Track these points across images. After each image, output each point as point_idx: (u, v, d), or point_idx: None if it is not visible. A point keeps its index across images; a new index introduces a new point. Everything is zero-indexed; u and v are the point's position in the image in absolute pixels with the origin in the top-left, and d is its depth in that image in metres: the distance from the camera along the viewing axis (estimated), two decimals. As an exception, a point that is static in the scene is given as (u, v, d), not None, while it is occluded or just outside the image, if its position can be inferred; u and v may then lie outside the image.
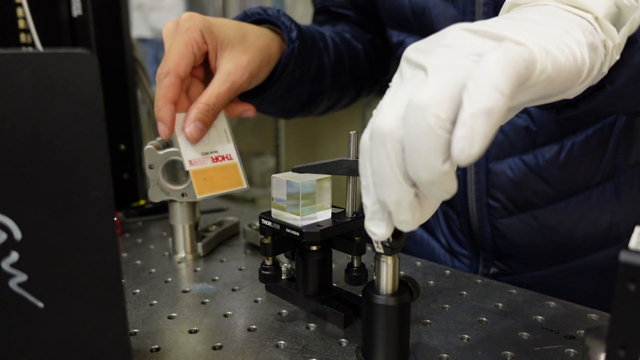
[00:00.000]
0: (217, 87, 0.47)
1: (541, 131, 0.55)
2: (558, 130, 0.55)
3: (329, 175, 0.41)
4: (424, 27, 0.60)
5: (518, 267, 0.60)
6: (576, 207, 0.56)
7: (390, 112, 0.25)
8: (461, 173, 0.59)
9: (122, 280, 0.28)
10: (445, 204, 0.63)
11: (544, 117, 0.54)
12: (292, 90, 0.58)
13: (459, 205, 0.61)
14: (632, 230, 0.24)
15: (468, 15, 0.55)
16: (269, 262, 0.43)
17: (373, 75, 0.75)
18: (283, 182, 0.40)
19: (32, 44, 0.64)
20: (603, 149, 0.55)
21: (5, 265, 0.26)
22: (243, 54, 0.49)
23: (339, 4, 0.74)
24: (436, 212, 0.65)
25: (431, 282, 0.51)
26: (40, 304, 0.27)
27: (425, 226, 0.67)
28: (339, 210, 0.43)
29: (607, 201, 0.56)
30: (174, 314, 0.44)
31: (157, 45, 2.42)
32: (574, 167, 0.55)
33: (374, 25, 0.73)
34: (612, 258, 0.57)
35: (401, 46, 0.64)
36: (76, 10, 0.68)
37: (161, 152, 0.54)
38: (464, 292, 0.48)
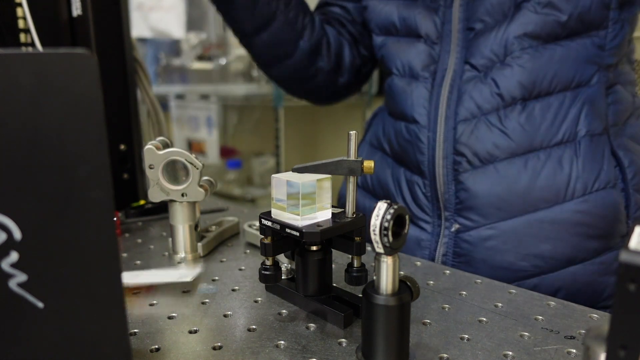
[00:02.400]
0: None
1: (505, 94, 0.61)
2: (521, 93, 0.61)
3: (329, 175, 0.41)
4: (408, 28, 0.69)
5: (479, 220, 0.63)
6: (536, 161, 0.61)
7: None
8: (432, 134, 0.65)
9: (122, 281, 0.28)
10: (412, 172, 0.69)
11: (507, 81, 0.61)
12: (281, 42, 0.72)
13: (427, 167, 0.66)
14: (632, 229, 0.24)
15: (447, 18, 0.65)
16: (269, 262, 0.43)
17: (353, 54, 0.82)
18: (283, 182, 0.40)
19: (32, 44, 0.64)
20: (564, 114, 0.61)
21: (5, 265, 0.26)
22: None
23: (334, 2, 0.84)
24: (399, 183, 0.71)
25: (431, 282, 0.51)
26: (40, 304, 0.27)
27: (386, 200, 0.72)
28: (339, 210, 0.43)
29: (567, 159, 0.60)
30: (174, 314, 0.44)
31: (157, 45, 2.42)
32: (534, 125, 0.61)
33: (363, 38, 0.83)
34: (569, 212, 0.60)
35: (383, 47, 0.73)
36: (76, 10, 0.68)
37: (161, 152, 0.54)
38: (464, 292, 0.48)
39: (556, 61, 0.61)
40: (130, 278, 0.51)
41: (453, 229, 0.65)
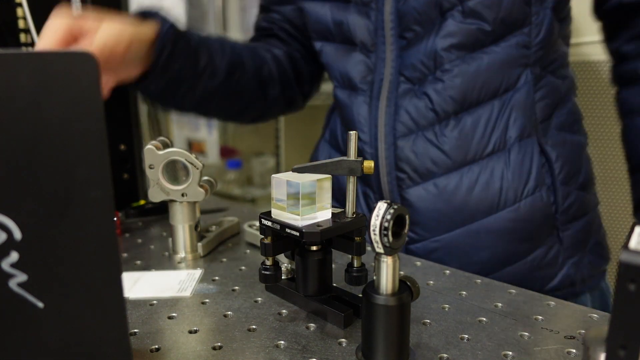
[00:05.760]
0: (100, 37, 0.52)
1: (439, 109, 0.63)
2: (453, 108, 0.63)
3: (329, 175, 0.41)
4: (343, 34, 0.69)
5: (424, 234, 0.66)
6: (471, 174, 0.63)
7: None
8: (374, 151, 0.67)
9: (122, 281, 0.28)
10: (364, 184, 0.71)
11: (440, 97, 0.63)
12: (179, 84, 0.65)
13: (374, 182, 0.68)
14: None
15: (379, 23, 0.65)
16: (269, 262, 0.43)
17: (286, 84, 0.82)
18: (283, 182, 0.40)
19: (32, 44, 0.64)
20: (493, 125, 0.63)
21: (5, 265, 0.26)
22: (117, 22, 0.54)
23: (270, 19, 0.83)
24: (357, 196, 0.72)
25: (431, 282, 0.51)
26: (40, 304, 0.27)
27: None
28: (339, 210, 0.43)
29: (498, 170, 0.63)
30: (174, 314, 0.44)
31: (157, 45, 2.42)
32: (467, 140, 0.63)
33: (299, 39, 0.82)
34: (502, 221, 0.63)
35: (322, 53, 0.73)
36: (76, 10, 0.68)
37: (161, 152, 0.54)
38: (464, 292, 0.48)
39: (484, 70, 0.62)
40: (129, 283, 0.51)
41: None
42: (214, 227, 0.64)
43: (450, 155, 0.64)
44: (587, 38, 0.86)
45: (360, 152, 0.67)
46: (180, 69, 0.63)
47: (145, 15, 0.62)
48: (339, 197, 0.73)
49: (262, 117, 0.85)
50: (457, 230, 0.64)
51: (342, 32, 0.68)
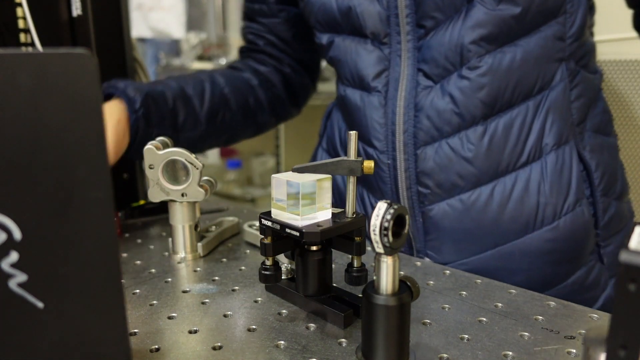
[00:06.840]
0: None
1: (465, 113, 0.56)
2: (482, 111, 0.56)
3: (329, 175, 0.41)
4: (351, 24, 0.61)
5: (450, 256, 0.60)
6: (502, 189, 0.56)
7: None
8: (392, 162, 0.60)
9: (122, 280, 0.28)
10: (376, 198, 0.64)
11: (466, 98, 0.55)
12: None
13: (390, 197, 0.62)
14: (632, 230, 0.24)
15: (392, 9, 0.57)
16: (269, 262, 0.43)
17: (277, 103, 0.80)
18: (283, 182, 0.40)
19: (32, 44, 0.64)
20: (528, 129, 0.56)
21: (5, 265, 0.26)
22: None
23: (256, 31, 0.80)
24: (363, 206, 0.67)
25: (431, 282, 0.51)
26: (40, 304, 0.27)
27: None
28: (339, 210, 0.43)
29: (534, 182, 0.56)
30: (174, 314, 0.44)
31: (157, 45, 2.43)
32: (498, 148, 0.56)
33: (288, 52, 0.80)
34: (540, 241, 0.56)
35: (331, 46, 0.65)
36: (76, 10, 0.68)
37: (161, 152, 0.54)
38: (464, 292, 0.48)
39: (517, 67, 0.55)
40: None
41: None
42: (214, 227, 0.64)
43: (479, 167, 0.56)
44: (614, 35, 0.79)
45: (376, 164, 0.61)
46: (159, 133, 0.62)
47: (110, 93, 0.62)
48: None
49: (256, 135, 0.84)
50: (487, 252, 0.58)
51: (351, 22, 0.61)
